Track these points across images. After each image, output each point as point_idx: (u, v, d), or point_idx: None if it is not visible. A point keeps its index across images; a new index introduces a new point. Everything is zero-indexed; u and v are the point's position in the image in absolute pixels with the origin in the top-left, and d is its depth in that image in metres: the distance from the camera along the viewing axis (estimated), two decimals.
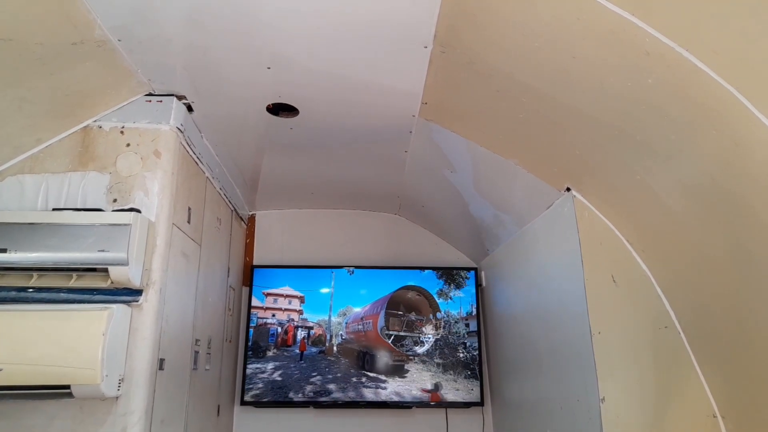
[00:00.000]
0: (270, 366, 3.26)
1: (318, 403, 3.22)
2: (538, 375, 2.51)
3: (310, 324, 3.35)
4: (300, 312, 3.36)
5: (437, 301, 3.21)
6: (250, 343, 3.31)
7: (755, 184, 1.35)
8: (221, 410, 2.96)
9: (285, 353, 3.29)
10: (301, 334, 3.33)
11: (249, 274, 3.48)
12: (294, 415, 3.31)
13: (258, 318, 3.36)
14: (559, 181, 2.16)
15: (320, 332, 3.33)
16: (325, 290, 3.44)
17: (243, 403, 3.21)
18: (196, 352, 2.46)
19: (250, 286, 3.44)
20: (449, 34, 1.71)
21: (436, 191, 3.10)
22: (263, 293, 3.38)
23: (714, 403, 1.84)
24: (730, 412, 1.79)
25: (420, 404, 3.23)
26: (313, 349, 3.30)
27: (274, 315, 3.34)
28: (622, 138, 1.67)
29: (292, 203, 3.64)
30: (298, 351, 3.30)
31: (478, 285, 3.49)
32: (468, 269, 3.52)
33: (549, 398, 2.36)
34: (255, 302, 3.41)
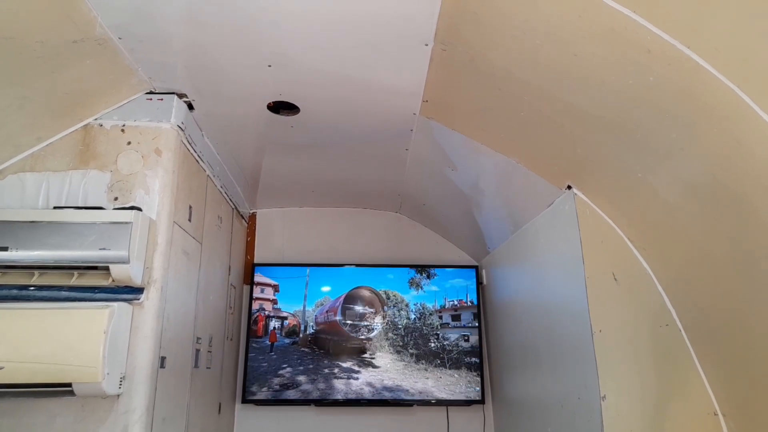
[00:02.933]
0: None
1: (319, 401, 3.22)
2: (539, 373, 2.51)
3: (284, 314, 3.32)
4: (274, 301, 3.32)
5: (410, 292, 3.48)
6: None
7: (756, 182, 1.35)
8: (222, 408, 2.96)
9: (254, 344, 3.26)
10: (273, 324, 3.29)
11: (250, 272, 3.48)
12: (295, 413, 3.31)
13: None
14: (560, 179, 2.16)
15: (294, 322, 3.30)
16: (325, 288, 3.46)
17: (244, 401, 3.22)
18: (198, 351, 2.46)
19: (251, 284, 3.44)
20: (450, 31, 1.71)
21: (436, 189, 3.09)
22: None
23: (715, 400, 1.84)
24: (731, 409, 1.79)
25: (421, 402, 3.24)
26: (286, 340, 3.28)
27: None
28: (624, 136, 1.67)
29: (293, 201, 3.64)
30: (268, 342, 3.27)
31: (479, 283, 3.49)
32: (468, 267, 3.53)
33: (550, 396, 2.36)
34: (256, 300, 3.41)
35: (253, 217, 3.70)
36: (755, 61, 1.17)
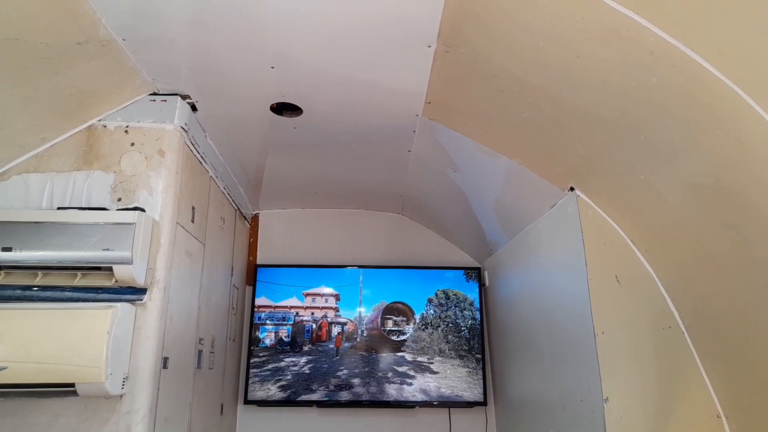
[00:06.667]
0: (303, 360, 3.35)
1: (321, 402, 3.22)
2: (541, 375, 2.51)
3: (343, 320, 3.47)
4: (336, 309, 3.48)
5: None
6: (287, 339, 3.39)
7: (759, 183, 1.34)
8: (224, 409, 2.96)
9: (319, 348, 3.40)
10: (336, 330, 3.45)
11: (252, 273, 3.49)
12: (297, 414, 3.31)
13: (295, 316, 3.45)
14: (562, 181, 2.16)
15: (353, 328, 3.47)
16: (327, 289, 3.49)
17: (246, 402, 3.22)
18: (200, 351, 2.47)
19: (254, 285, 3.44)
20: (453, 33, 1.71)
21: (439, 191, 3.09)
22: (303, 293, 3.50)
23: (718, 403, 1.84)
24: (734, 412, 1.78)
25: (423, 404, 3.23)
26: (347, 344, 3.42)
27: (313, 313, 3.48)
28: (626, 137, 1.67)
29: (295, 203, 3.65)
30: (333, 346, 3.41)
31: (481, 285, 3.49)
32: (472, 269, 3.52)
33: (552, 398, 2.36)
34: (260, 302, 3.42)
35: (255, 218, 3.71)
36: (758, 63, 1.17)
